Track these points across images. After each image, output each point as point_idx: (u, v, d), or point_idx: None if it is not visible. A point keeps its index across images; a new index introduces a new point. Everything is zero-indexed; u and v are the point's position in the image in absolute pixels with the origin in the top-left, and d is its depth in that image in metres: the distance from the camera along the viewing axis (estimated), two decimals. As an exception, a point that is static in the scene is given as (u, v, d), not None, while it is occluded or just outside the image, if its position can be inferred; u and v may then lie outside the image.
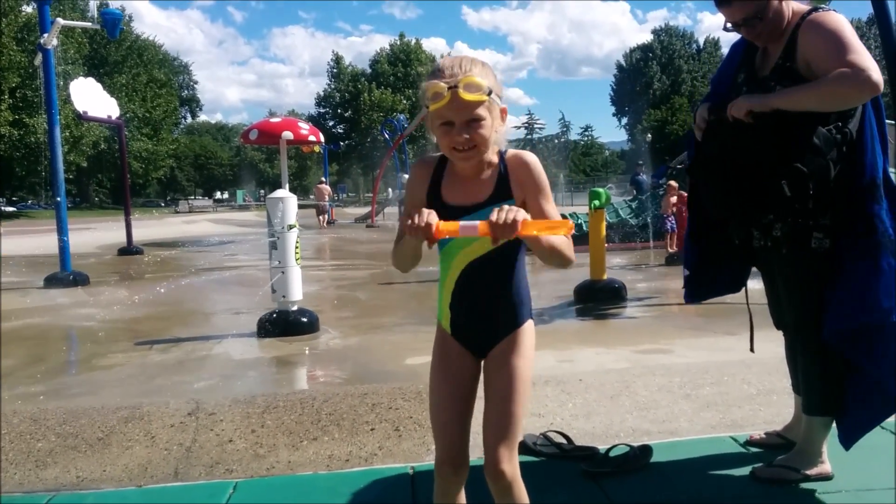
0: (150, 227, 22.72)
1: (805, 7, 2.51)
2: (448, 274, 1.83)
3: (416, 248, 1.77)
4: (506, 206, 1.54)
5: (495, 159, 1.79)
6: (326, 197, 25.34)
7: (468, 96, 1.65)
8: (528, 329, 1.84)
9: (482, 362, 1.85)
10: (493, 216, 1.52)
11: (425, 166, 1.85)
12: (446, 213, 1.65)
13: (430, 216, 1.56)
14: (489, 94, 1.68)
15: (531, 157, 1.80)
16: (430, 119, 1.72)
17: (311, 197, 32.31)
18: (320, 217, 24.46)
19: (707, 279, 2.92)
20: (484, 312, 1.81)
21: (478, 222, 1.55)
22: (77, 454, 3.08)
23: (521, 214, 1.52)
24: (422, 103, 1.75)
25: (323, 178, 29.09)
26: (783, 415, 3.07)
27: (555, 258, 1.71)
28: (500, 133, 1.77)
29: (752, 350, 2.86)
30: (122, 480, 2.87)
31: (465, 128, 1.69)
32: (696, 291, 2.96)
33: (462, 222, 1.57)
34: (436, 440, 1.87)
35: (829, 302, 2.43)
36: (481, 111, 1.69)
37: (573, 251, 1.73)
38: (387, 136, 35.39)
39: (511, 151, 1.81)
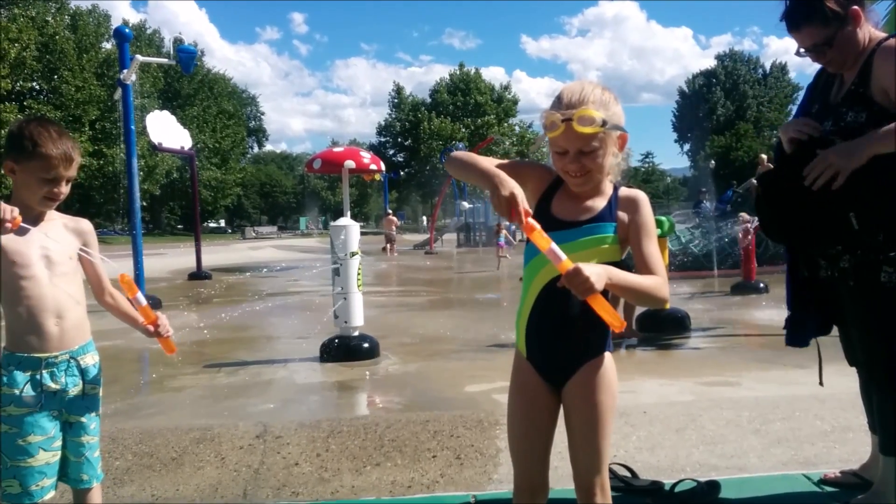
0: (219, 252, 23.46)
1: (882, 34, 2.46)
2: (529, 290, 1.84)
3: (477, 183, 1.80)
4: (599, 271, 1.57)
5: (609, 188, 1.85)
6: (394, 227, 26.05)
7: (581, 129, 1.71)
8: (609, 361, 1.85)
9: (562, 392, 1.85)
10: (582, 266, 1.55)
11: (550, 173, 1.90)
12: (547, 221, 1.71)
13: (525, 205, 1.64)
14: (603, 125, 1.72)
15: (643, 196, 1.85)
16: (548, 143, 1.80)
17: (380, 226, 32.95)
18: (388, 245, 25.05)
19: (807, 319, 2.67)
20: (562, 336, 1.81)
21: (565, 257, 1.58)
22: (152, 473, 3.20)
23: (599, 287, 1.56)
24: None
25: (389, 211, 29.75)
26: (860, 453, 2.95)
27: (646, 301, 1.79)
28: (617, 159, 1.82)
29: (821, 384, 2.76)
30: (195, 500, 2.97)
31: (578, 156, 1.75)
32: (802, 335, 2.67)
33: (554, 245, 1.60)
34: (514, 466, 1.90)
35: None
36: (594, 142, 1.74)
37: (666, 289, 1.75)
38: (446, 163, 35.60)
39: (625, 188, 1.86)
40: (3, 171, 2.11)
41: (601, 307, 1.58)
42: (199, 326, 7.90)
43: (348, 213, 5.88)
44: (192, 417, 4.11)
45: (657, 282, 1.74)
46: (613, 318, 1.58)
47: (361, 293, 5.76)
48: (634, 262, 1.81)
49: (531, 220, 1.62)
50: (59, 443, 2.11)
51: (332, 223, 5.93)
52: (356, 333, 5.79)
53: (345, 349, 5.70)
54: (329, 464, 3.23)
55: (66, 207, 2.26)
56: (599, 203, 1.82)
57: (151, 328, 2.21)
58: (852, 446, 3.17)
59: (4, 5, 36.02)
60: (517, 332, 1.89)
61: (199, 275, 14.60)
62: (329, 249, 5.81)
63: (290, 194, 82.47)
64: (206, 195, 52.46)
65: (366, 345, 5.81)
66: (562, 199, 1.85)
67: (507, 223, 19.30)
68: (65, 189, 2.10)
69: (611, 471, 2.94)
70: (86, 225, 2.24)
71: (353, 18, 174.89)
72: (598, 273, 1.57)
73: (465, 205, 30.88)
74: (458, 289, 13.30)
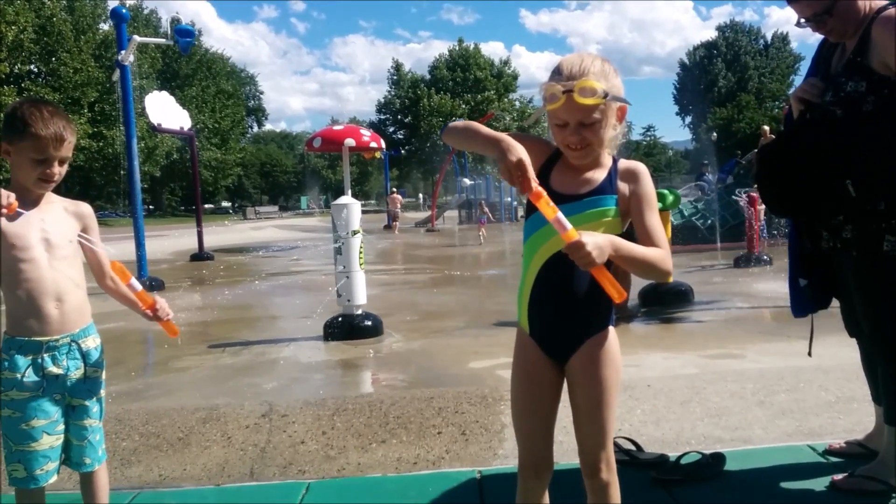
0: (220, 233, 23.42)
1: (882, 1, 2.42)
2: (529, 267, 1.82)
3: (481, 151, 1.78)
4: (603, 243, 1.57)
5: (609, 160, 1.82)
6: (398, 205, 26.44)
7: (582, 100, 1.68)
8: (612, 335, 1.84)
9: (565, 368, 1.84)
10: (585, 239, 1.54)
11: (549, 146, 1.87)
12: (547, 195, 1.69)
13: (532, 172, 1.61)
14: (605, 96, 1.69)
15: (643, 168, 1.82)
16: (548, 116, 1.76)
17: (381, 203, 33.66)
18: (394, 223, 25.40)
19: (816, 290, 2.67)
20: (564, 311, 1.79)
21: (570, 227, 1.57)
22: (159, 453, 3.22)
23: (601, 260, 1.55)
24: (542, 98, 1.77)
25: (393, 189, 29.99)
26: (864, 423, 2.95)
27: (650, 274, 1.74)
28: (616, 131, 1.79)
29: (809, 354, 2.76)
30: (202, 479, 2.98)
31: (578, 129, 1.72)
32: (807, 304, 2.68)
33: (560, 214, 1.58)
34: (518, 444, 1.90)
35: None
36: (595, 114, 1.71)
37: (669, 261, 1.74)
38: (446, 140, 35.42)
39: (624, 160, 1.84)
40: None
41: (604, 277, 1.57)
42: (202, 307, 7.91)
43: (349, 192, 5.86)
44: (197, 397, 4.13)
45: (661, 254, 1.73)
46: (614, 288, 1.57)
47: (364, 271, 5.75)
48: (637, 234, 1.79)
49: (538, 188, 1.60)
50: (62, 426, 2.10)
51: (333, 202, 5.92)
52: (359, 312, 5.79)
53: (348, 327, 5.71)
54: (335, 441, 3.24)
55: (67, 190, 2.25)
56: (599, 175, 1.80)
57: (150, 312, 2.20)
58: (857, 417, 3.18)
59: (0, -12, 35.68)
60: (519, 308, 1.88)
61: (201, 256, 14.62)
62: (331, 228, 5.80)
63: (291, 173, 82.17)
64: (206, 176, 52.30)
65: (369, 323, 5.82)
66: (561, 172, 1.83)
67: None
68: (58, 170, 2.06)
69: (616, 444, 2.95)
70: (85, 208, 2.22)
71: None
72: (601, 245, 1.56)
73: (467, 181, 30.76)
74: (460, 266, 13.29)
